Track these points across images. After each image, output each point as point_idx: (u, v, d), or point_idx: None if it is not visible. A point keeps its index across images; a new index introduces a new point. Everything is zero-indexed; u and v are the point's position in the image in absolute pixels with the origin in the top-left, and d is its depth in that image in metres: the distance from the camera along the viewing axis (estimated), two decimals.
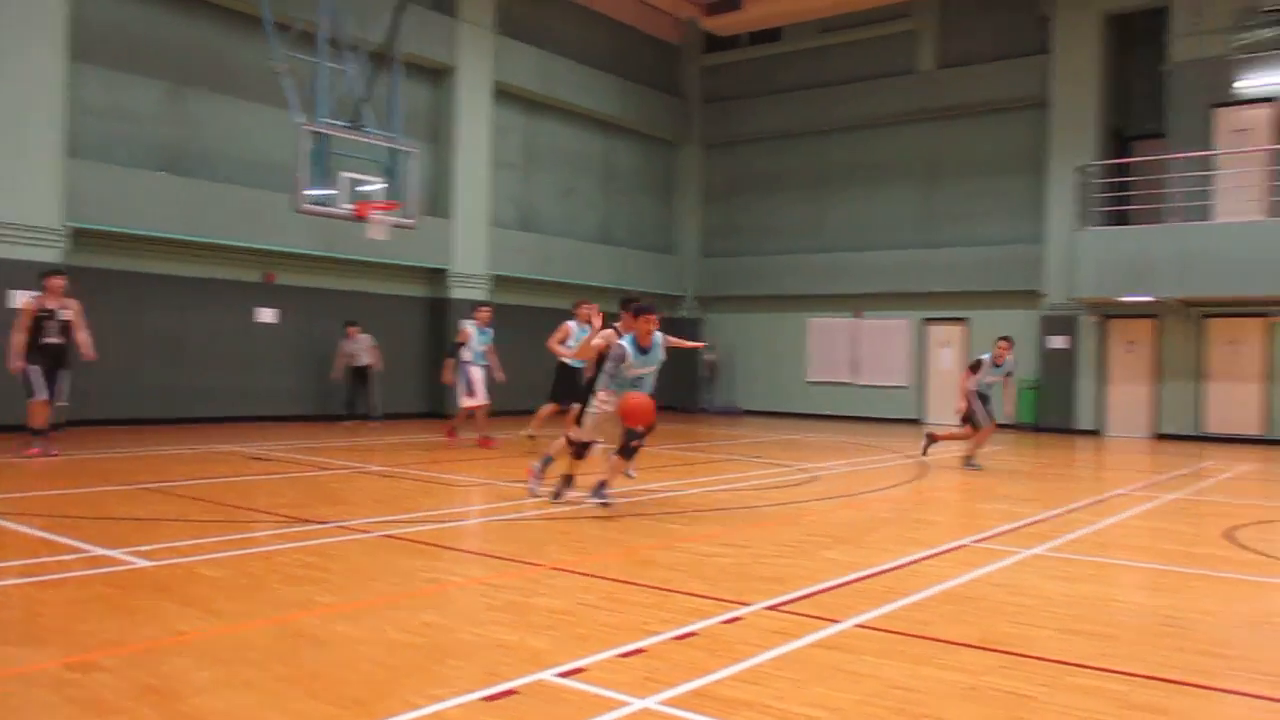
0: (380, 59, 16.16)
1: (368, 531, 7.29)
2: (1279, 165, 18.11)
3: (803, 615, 5.17)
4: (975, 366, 13.05)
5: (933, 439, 13.74)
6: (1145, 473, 13.28)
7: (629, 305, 8.63)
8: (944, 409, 22.39)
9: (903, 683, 4.14)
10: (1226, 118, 19.00)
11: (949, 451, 14.17)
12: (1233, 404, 18.97)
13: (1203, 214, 18.59)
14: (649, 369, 8.44)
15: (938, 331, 22.81)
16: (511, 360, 15.94)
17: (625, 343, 8.28)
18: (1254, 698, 4.16)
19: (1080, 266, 18.89)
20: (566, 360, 12.74)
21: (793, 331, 24.70)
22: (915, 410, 22.75)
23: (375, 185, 15.01)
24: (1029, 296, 21.09)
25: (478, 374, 14.05)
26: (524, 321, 20.23)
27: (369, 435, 15.70)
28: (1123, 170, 19.59)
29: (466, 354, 14.01)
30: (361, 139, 14.89)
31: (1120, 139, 20.96)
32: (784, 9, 23.22)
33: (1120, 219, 19.09)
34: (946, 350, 22.60)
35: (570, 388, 12.48)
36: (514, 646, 4.50)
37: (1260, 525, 8.72)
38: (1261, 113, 18.69)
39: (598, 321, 12.22)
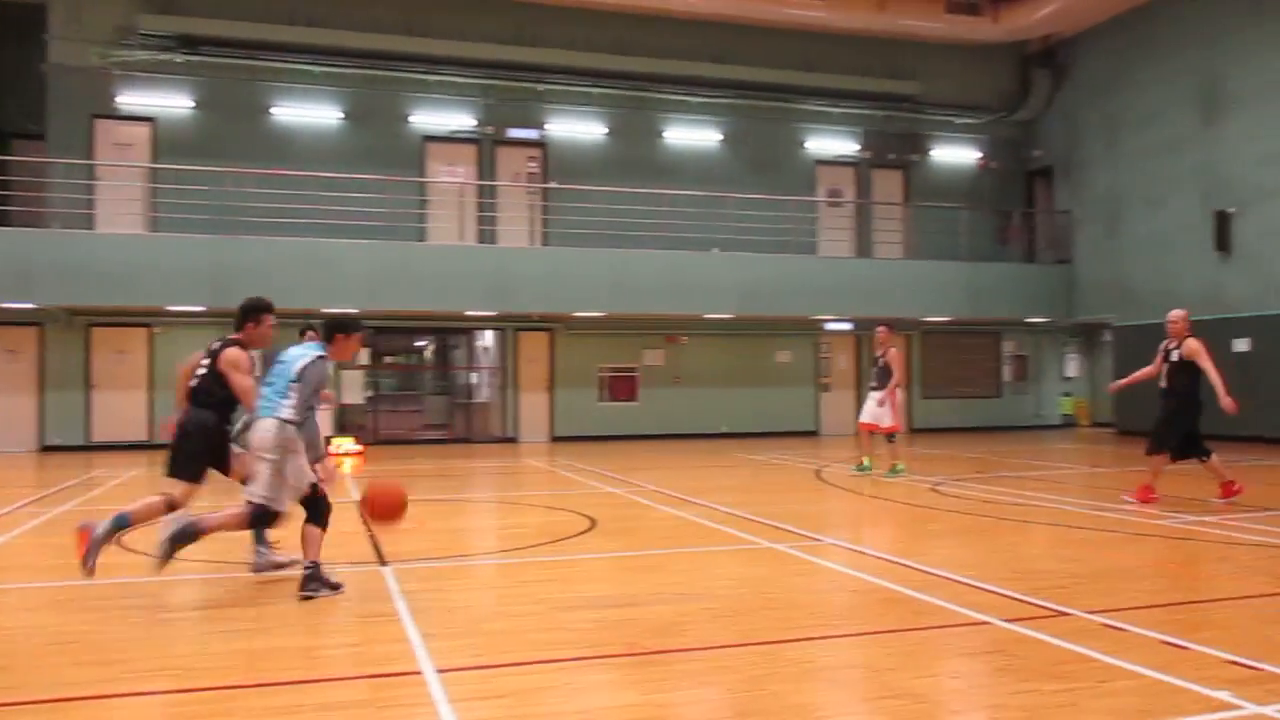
0: None
1: None
2: (157, 182, 19.12)
3: None
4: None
5: None
6: (33, 488, 12.73)
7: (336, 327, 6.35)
8: None
9: None
10: (109, 130, 19.37)
11: None
12: (120, 411, 19.35)
13: (86, 222, 18.60)
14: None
15: None
16: None
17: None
18: (148, 695, 4.30)
19: None
20: None
21: None
22: None
23: None
24: None
25: None
26: None
27: None
28: (2, 169, 18.43)
29: None
30: None
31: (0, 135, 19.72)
32: None
33: (2, 219, 17.95)
34: None
35: None
36: None
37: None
38: (142, 130, 19.53)
39: None
